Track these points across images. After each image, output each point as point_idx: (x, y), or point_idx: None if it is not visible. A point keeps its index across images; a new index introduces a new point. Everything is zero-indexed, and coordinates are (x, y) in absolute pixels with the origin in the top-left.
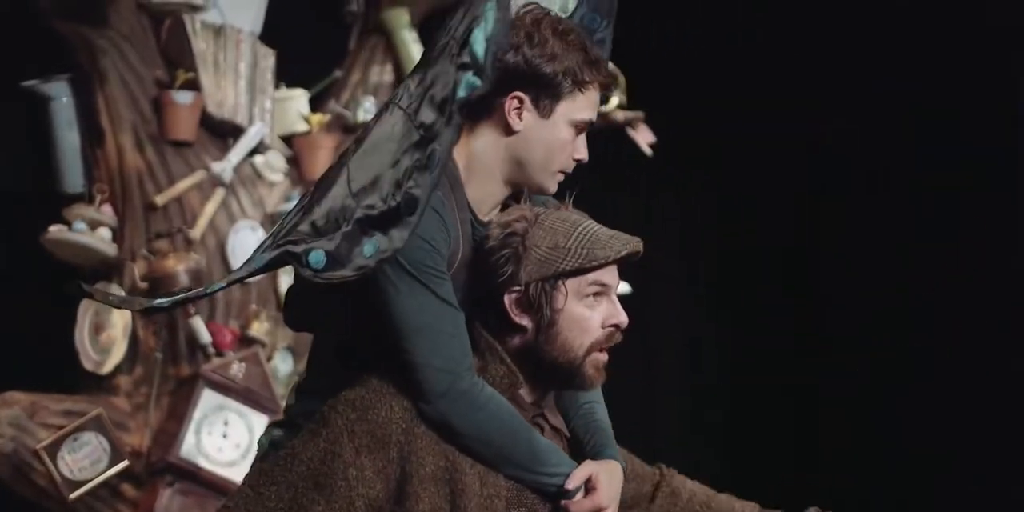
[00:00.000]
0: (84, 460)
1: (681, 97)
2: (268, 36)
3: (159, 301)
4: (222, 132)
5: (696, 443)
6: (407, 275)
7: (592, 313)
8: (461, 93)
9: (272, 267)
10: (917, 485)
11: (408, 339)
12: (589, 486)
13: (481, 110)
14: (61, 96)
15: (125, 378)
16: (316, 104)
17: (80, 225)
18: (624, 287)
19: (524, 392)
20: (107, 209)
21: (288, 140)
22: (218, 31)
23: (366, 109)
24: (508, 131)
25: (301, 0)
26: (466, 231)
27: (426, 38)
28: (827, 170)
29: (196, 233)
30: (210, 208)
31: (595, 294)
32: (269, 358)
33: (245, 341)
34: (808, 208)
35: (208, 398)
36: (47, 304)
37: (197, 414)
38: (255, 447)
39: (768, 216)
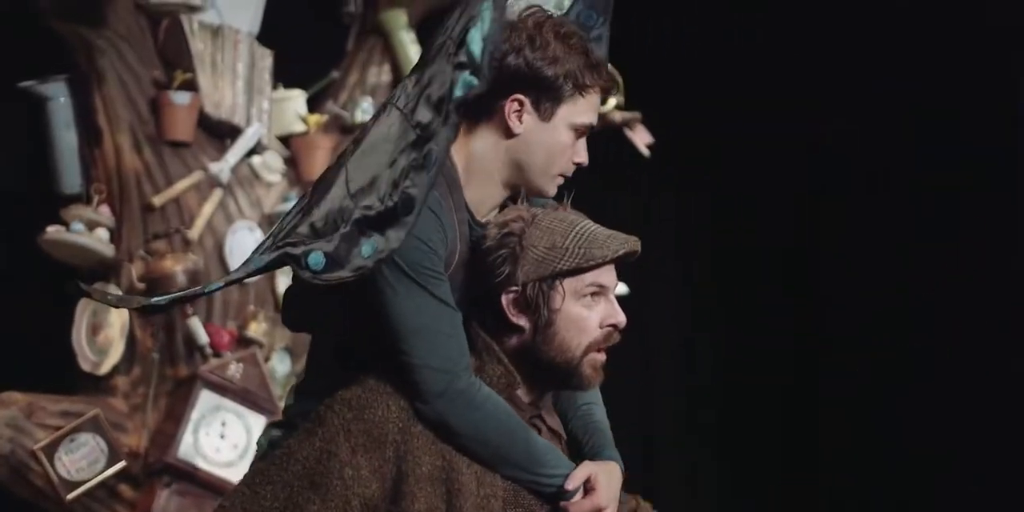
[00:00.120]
0: (82, 461)
1: (679, 97)
2: (266, 37)
3: (156, 299)
4: (220, 133)
5: (693, 443)
6: (404, 276)
7: (590, 313)
8: (458, 92)
9: (271, 268)
10: (917, 485)
11: (405, 340)
12: (588, 486)
13: (481, 112)
14: (59, 96)
15: (123, 379)
16: (314, 105)
17: (78, 226)
18: (622, 288)
19: (521, 392)
20: (105, 210)
21: (286, 141)
22: (216, 31)
23: (364, 110)
24: (508, 134)
25: (299, 1)
26: (464, 232)
27: (424, 39)
28: (827, 170)
29: (194, 234)
30: (208, 209)
31: (593, 294)
32: (267, 359)
33: (243, 342)
34: (807, 208)
35: (206, 399)
36: (45, 305)
37: (195, 415)
38: (253, 447)
39: (767, 216)
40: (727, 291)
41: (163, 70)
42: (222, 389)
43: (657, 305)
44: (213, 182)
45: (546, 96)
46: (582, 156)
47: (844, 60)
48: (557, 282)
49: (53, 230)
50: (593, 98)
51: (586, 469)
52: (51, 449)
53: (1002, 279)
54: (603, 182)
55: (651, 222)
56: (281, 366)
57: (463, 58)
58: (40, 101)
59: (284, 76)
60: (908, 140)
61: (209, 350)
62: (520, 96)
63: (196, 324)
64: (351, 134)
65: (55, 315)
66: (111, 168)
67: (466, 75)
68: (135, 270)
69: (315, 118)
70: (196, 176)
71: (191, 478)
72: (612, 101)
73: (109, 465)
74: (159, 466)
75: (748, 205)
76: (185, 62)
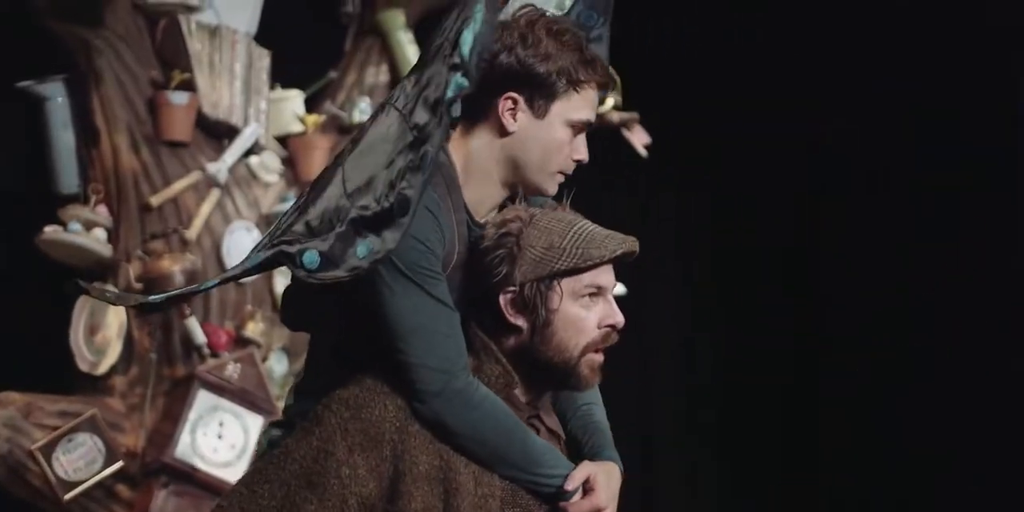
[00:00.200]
0: (79, 461)
1: (679, 97)
2: (263, 37)
3: (154, 297)
4: (217, 133)
5: (693, 443)
6: (402, 276)
7: (588, 313)
8: (450, 94)
9: (266, 267)
10: (917, 485)
11: (403, 339)
12: (587, 487)
13: (477, 112)
14: (56, 96)
15: (120, 379)
16: (311, 105)
17: (75, 226)
18: (620, 288)
19: (519, 392)
20: (102, 210)
21: (283, 141)
22: (213, 32)
23: (361, 110)
24: (503, 132)
25: (297, 1)
26: (462, 232)
27: (422, 39)
28: (826, 170)
29: (191, 234)
30: (205, 209)
31: (591, 295)
32: (264, 359)
33: (240, 342)
34: (807, 208)
35: (203, 399)
36: (42, 305)
37: (192, 415)
38: (250, 448)
39: (767, 216)
40: (727, 291)
41: (161, 70)
42: (219, 389)
43: (656, 305)
44: (211, 182)
45: (539, 93)
46: (581, 153)
47: (844, 60)
48: (555, 282)
49: (51, 230)
50: (589, 94)
51: (585, 469)
52: (49, 449)
53: (1002, 279)
54: (602, 182)
55: (650, 222)
56: (279, 366)
57: (456, 59)
58: (38, 101)
59: (282, 76)
60: (908, 140)
61: (207, 350)
62: (513, 94)
63: (194, 324)
64: (349, 134)
65: (53, 315)
66: (109, 168)
67: (458, 76)
68: (133, 270)
69: (313, 118)
70: (194, 176)
71: (188, 478)
72: (610, 101)
73: (106, 465)
74: (156, 466)
75: (748, 205)
76: (183, 62)
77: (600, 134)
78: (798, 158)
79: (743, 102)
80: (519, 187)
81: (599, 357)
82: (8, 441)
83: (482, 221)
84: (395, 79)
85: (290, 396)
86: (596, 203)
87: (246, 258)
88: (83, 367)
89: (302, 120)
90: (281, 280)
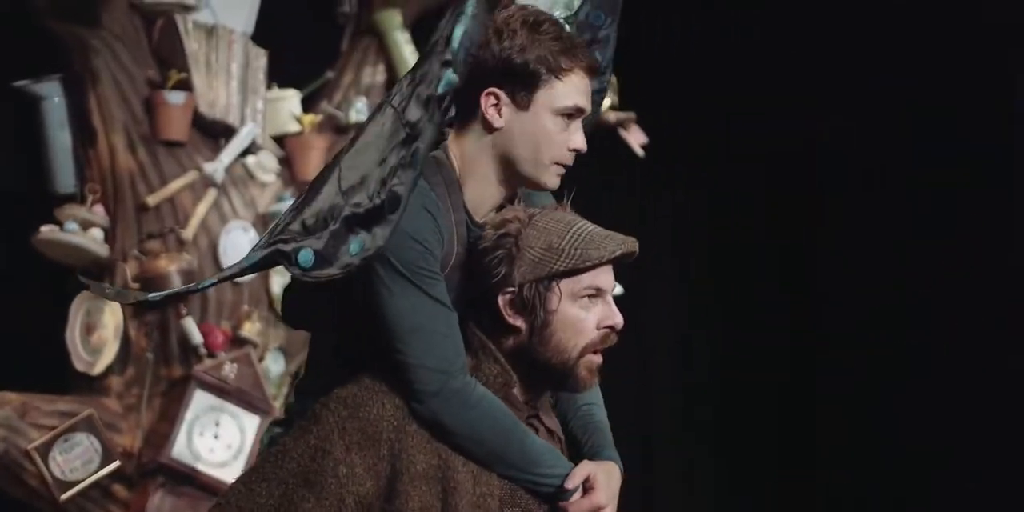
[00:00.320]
0: (75, 461)
1: (676, 95)
2: (260, 36)
3: (152, 295)
4: (214, 132)
5: (690, 440)
6: (400, 276)
7: (587, 314)
8: (440, 90)
9: (263, 266)
10: (914, 483)
11: (401, 339)
12: (587, 486)
13: (466, 111)
14: (53, 96)
15: (116, 379)
16: (308, 105)
17: (72, 225)
18: (617, 288)
19: (518, 392)
20: (99, 209)
21: (280, 140)
22: (210, 31)
23: (358, 110)
24: (490, 129)
25: (294, 1)
26: (461, 233)
27: (418, 39)
28: (824, 167)
29: (188, 233)
30: (202, 209)
31: (590, 296)
32: (261, 359)
33: (237, 342)
34: (804, 205)
35: (200, 399)
36: (39, 305)
37: (189, 415)
38: (247, 448)
39: (764, 213)
40: (724, 288)
41: (157, 70)
42: (216, 389)
43: (654, 303)
44: (207, 182)
45: (520, 85)
46: (577, 142)
47: (841, 57)
48: (554, 283)
49: (47, 230)
50: (574, 79)
51: (585, 468)
52: (45, 449)
53: (999, 276)
54: (600, 181)
55: (647, 220)
56: (275, 366)
57: (448, 56)
58: (34, 101)
59: (278, 76)
60: (905, 137)
61: (203, 350)
62: (494, 89)
63: (190, 324)
64: (345, 134)
65: (49, 315)
66: (105, 168)
67: (448, 73)
68: (129, 270)
69: (309, 118)
70: (190, 176)
71: (185, 478)
72: (607, 101)
73: (103, 465)
74: (153, 466)
75: (745, 202)
76: (179, 62)
77: (597, 134)
78: (795, 155)
79: (740, 100)
80: (518, 184)
81: (597, 358)
82: (4, 441)
83: (481, 221)
84: (392, 79)
85: (291, 395)
86: (594, 202)
87: (244, 257)
88: (79, 367)
89: (299, 120)
90: (278, 280)
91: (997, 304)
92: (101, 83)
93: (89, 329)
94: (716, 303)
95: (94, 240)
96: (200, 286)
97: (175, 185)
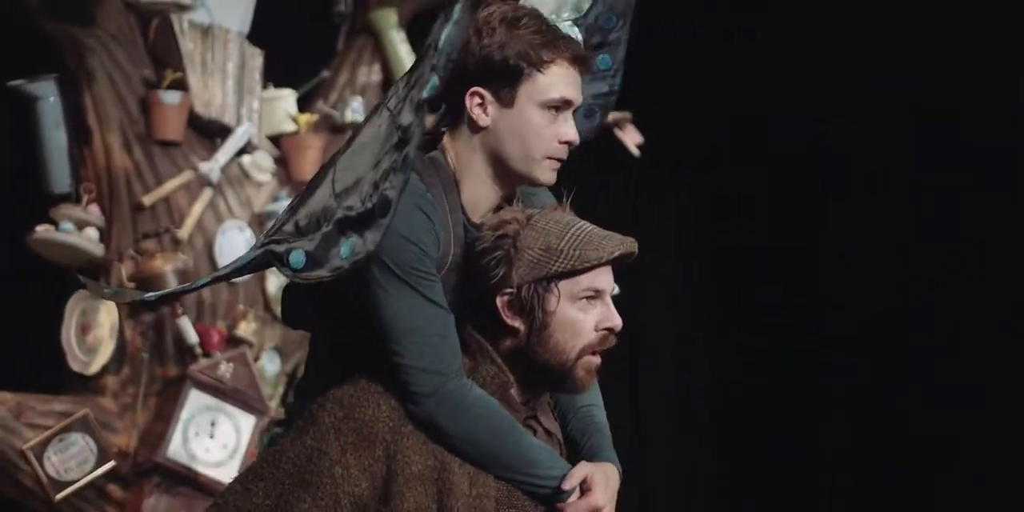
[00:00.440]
0: (71, 461)
1: (678, 97)
2: (256, 36)
3: (148, 295)
4: (210, 132)
5: (692, 444)
6: (395, 278)
7: (585, 316)
8: (425, 95)
9: (256, 267)
10: (917, 485)
11: (397, 341)
12: (584, 487)
13: (456, 113)
14: (48, 95)
15: (112, 378)
16: (304, 104)
17: (67, 225)
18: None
19: (515, 393)
20: (94, 209)
21: (276, 140)
22: (206, 31)
23: (354, 109)
24: (478, 128)
25: (289, 0)
26: (458, 234)
27: (414, 38)
28: (826, 170)
29: (184, 233)
30: (197, 208)
31: (589, 298)
32: (256, 358)
33: (232, 341)
34: (807, 208)
35: (195, 399)
36: (34, 304)
37: (184, 415)
38: (242, 447)
39: (766, 216)
40: (727, 291)
41: (153, 69)
42: (212, 389)
43: (656, 305)
44: (203, 181)
45: (502, 82)
46: (567, 134)
47: (844, 60)
48: (552, 284)
49: (42, 229)
50: (557, 71)
51: (583, 469)
52: (40, 449)
53: (1002, 279)
54: (602, 183)
55: (651, 222)
56: (271, 366)
57: (436, 60)
58: (30, 100)
59: (274, 75)
60: (908, 140)
61: (199, 350)
62: (478, 89)
63: (186, 324)
64: (341, 133)
65: (44, 315)
66: (101, 167)
67: (435, 77)
68: (125, 270)
69: (305, 117)
70: (186, 176)
71: (180, 478)
72: None
73: (98, 465)
74: (148, 466)
75: (748, 205)
76: (175, 61)
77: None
78: (798, 158)
79: (743, 102)
80: (513, 182)
81: (596, 359)
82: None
83: (479, 222)
84: (387, 78)
85: (292, 395)
86: (595, 204)
87: (239, 257)
88: (75, 367)
89: (294, 119)
90: (273, 280)
91: (1000, 307)
92: (97, 83)
93: (85, 329)
94: (718, 306)
95: (89, 240)
96: (195, 285)
97: (171, 185)
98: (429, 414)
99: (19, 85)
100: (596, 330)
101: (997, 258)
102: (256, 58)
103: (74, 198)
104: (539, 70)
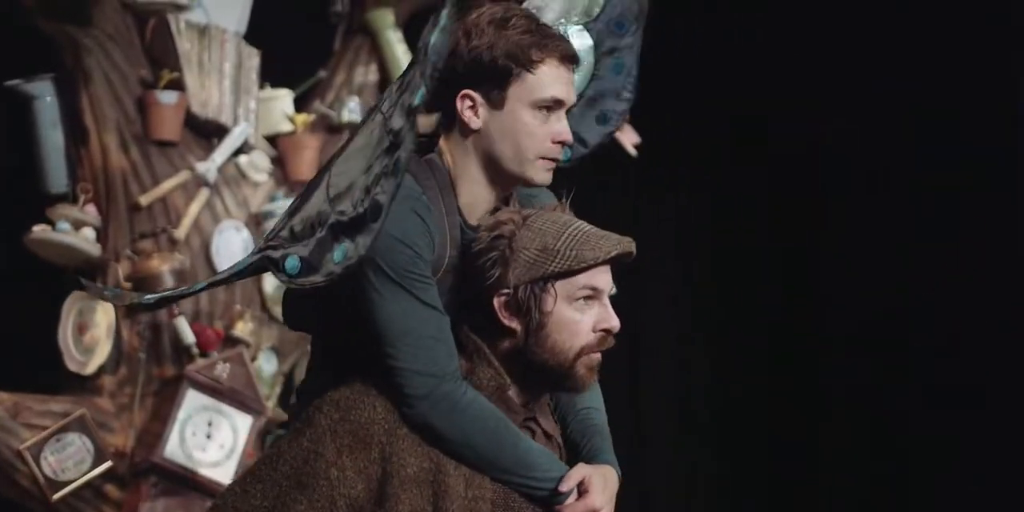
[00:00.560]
0: (67, 461)
1: (677, 97)
2: (253, 36)
3: (147, 298)
4: (207, 132)
5: (692, 444)
6: (390, 281)
7: (582, 317)
8: (416, 101)
9: (253, 272)
10: (917, 485)
11: (391, 343)
12: (582, 489)
13: (448, 116)
14: (45, 95)
15: (109, 378)
16: (301, 104)
17: (64, 225)
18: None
19: (514, 395)
20: (91, 209)
21: (273, 140)
22: (203, 31)
23: (350, 109)
24: (469, 131)
25: (286, 0)
26: (455, 235)
27: (411, 38)
28: (827, 170)
29: (180, 233)
30: (194, 208)
31: (586, 298)
32: (253, 358)
33: (229, 341)
34: (807, 208)
35: (192, 399)
36: (31, 304)
37: (181, 415)
38: (239, 447)
39: (766, 216)
40: (727, 291)
41: (150, 69)
42: (209, 389)
43: (656, 306)
44: (200, 182)
45: (491, 83)
46: (560, 133)
47: (844, 60)
48: (549, 284)
49: (39, 229)
50: (547, 71)
51: (580, 471)
52: (37, 449)
53: (1002, 279)
54: (602, 184)
55: (650, 222)
56: (268, 366)
57: (423, 67)
58: (26, 100)
59: (271, 75)
60: (908, 140)
61: (196, 350)
62: (468, 91)
63: (182, 324)
64: (338, 134)
65: (41, 315)
66: (97, 167)
67: (423, 85)
68: (122, 270)
69: (302, 117)
70: (183, 176)
71: (178, 478)
72: None
73: (95, 465)
74: (145, 466)
75: (748, 205)
76: (172, 61)
77: None
78: (798, 158)
79: (743, 102)
80: (509, 184)
81: (596, 357)
82: None
83: (476, 224)
84: (384, 78)
85: (294, 396)
86: (595, 204)
87: (236, 263)
88: (72, 367)
89: (291, 119)
90: (270, 280)
91: (1000, 307)
92: (93, 82)
93: (81, 329)
94: (719, 306)
95: (86, 240)
96: (192, 290)
97: (167, 185)
98: (424, 417)
99: (16, 85)
100: (594, 331)
101: (997, 258)
102: (253, 58)
103: (71, 198)
104: (528, 70)
